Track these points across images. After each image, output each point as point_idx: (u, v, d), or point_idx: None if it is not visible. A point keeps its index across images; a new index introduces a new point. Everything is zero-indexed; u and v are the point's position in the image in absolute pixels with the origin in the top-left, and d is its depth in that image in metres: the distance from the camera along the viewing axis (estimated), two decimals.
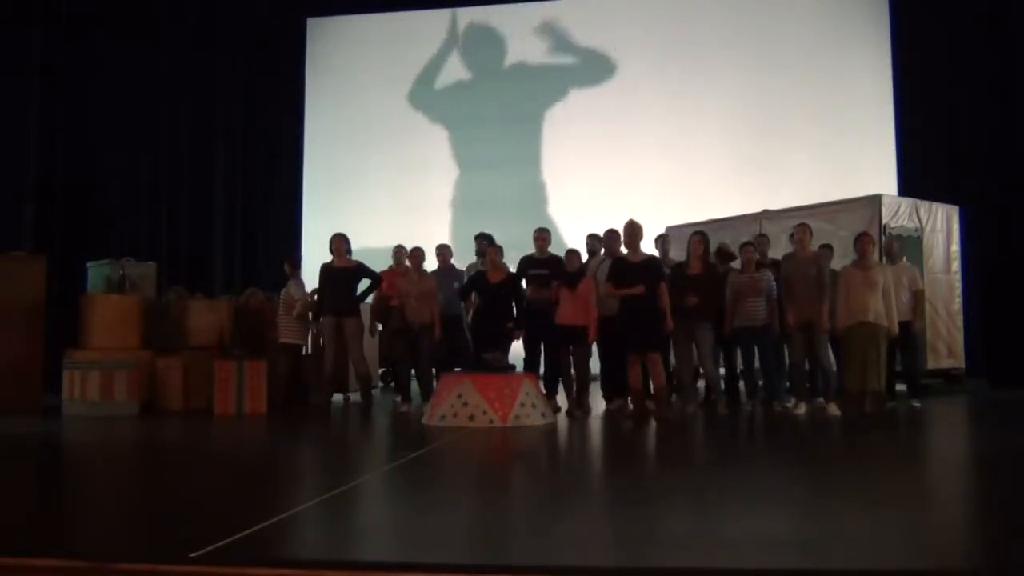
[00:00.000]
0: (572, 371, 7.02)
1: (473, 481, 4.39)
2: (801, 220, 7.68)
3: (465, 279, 7.86)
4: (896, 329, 6.52)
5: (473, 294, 7.49)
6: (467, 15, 13.01)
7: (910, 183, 10.55)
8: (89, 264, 8.56)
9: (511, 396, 6.30)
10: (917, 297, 7.52)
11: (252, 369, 7.26)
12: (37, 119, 10.06)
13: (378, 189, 12.75)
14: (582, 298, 6.77)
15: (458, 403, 6.30)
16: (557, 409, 6.97)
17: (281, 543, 2.97)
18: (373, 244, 10.61)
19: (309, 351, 8.35)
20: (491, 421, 6.20)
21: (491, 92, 12.83)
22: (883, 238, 8.07)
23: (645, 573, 2.59)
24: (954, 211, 9.29)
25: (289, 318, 7.81)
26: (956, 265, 9.21)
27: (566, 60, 12.70)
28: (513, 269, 7.56)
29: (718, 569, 2.57)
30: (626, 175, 11.82)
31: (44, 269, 7.91)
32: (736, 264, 7.47)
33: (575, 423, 6.57)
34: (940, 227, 9.05)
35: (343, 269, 7.75)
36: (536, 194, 12.48)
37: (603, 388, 7.56)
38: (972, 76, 10.39)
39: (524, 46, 12.83)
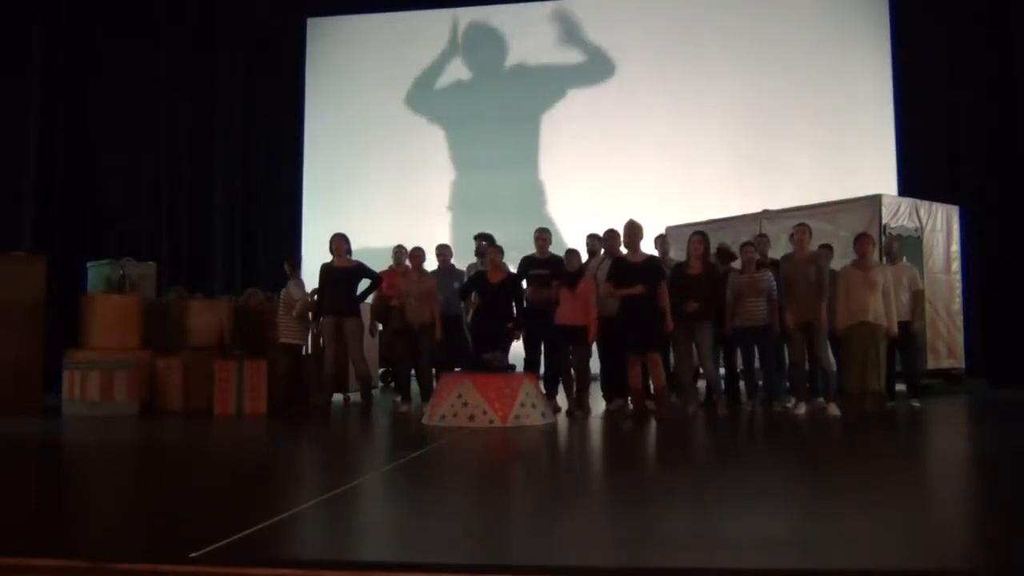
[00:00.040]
0: (572, 371, 7.01)
1: (473, 481, 4.38)
2: (801, 220, 7.68)
3: (465, 279, 7.86)
4: (896, 329, 6.52)
5: (473, 294, 7.49)
6: (467, 15, 13.01)
7: (910, 183, 10.55)
8: (89, 264, 8.56)
9: (511, 396, 6.30)
10: (917, 297, 7.52)
11: (252, 369, 7.26)
12: (37, 119, 10.06)
13: (378, 189, 12.76)
14: (582, 298, 6.77)
15: (458, 403, 6.30)
16: (557, 409, 6.97)
17: (281, 543, 2.97)
18: (373, 244, 10.61)
19: (309, 351, 8.35)
20: (491, 421, 6.20)
21: (491, 92, 12.83)
22: (883, 238, 8.07)
23: (645, 573, 2.59)
24: (954, 211, 9.29)
25: (289, 318, 7.81)
26: (956, 265, 9.21)
27: (566, 60, 12.70)
28: (514, 269, 7.56)
29: (718, 569, 2.57)
30: (626, 175, 11.83)
31: (44, 269, 7.91)
32: (736, 264, 7.47)
33: (575, 423, 6.57)
34: (940, 227, 9.05)
35: (343, 269, 7.75)
36: (536, 194, 12.48)
37: (603, 388, 7.56)
38: (972, 76, 10.39)
39: (524, 46, 12.83)
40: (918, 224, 8.80)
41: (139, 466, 5.05)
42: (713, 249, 7.40)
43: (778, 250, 8.04)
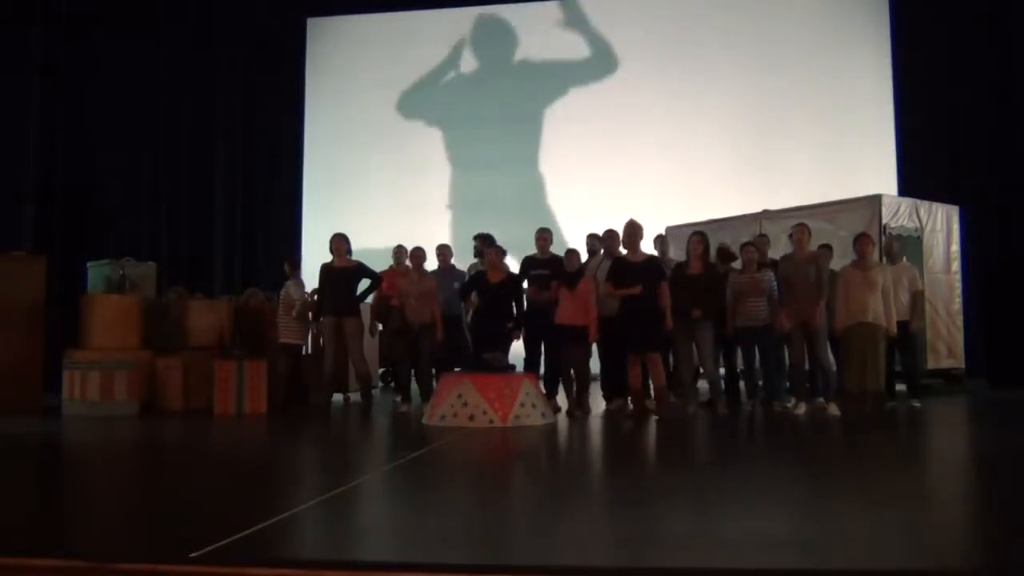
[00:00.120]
0: (572, 371, 7.02)
1: (473, 481, 4.38)
2: (801, 220, 7.67)
3: (466, 279, 7.86)
4: (894, 329, 6.51)
5: (473, 294, 7.49)
6: (467, 15, 13.01)
7: (910, 183, 10.55)
8: (89, 264, 8.56)
9: (511, 396, 6.30)
10: (917, 297, 7.51)
11: (252, 369, 7.26)
12: (37, 119, 10.06)
13: (378, 189, 12.75)
14: (582, 298, 6.77)
15: (458, 403, 6.30)
16: (557, 409, 6.97)
17: (281, 543, 2.97)
18: (373, 244, 10.60)
19: (309, 351, 8.35)
20: (491, 421, 6.20)
21: (491, 92, 12.83)
22: (883, 238, 8.06)
23: (645, 573, 2.59)
24: (954, 211, 9.29)
25: (289, 318, 7.81)
26: (956, 265, 9.21)
27: (566, 60, 12.69)
28: (514, 270, 7.57)
29: (718, 569, 2.57)
30: (626, 175, 11.82)
31: (44, 269, 7.91)
32: (737, 264, 7.47)
33: (575, 423, 6.57)
34: (940, 227, 9.05)
35: (343, 269, 7.75)
36: (536, 194, 12.48)
37: (603, 388, 7.56)
38: (972, 76, 10.39)
39: (524, 46, 12.83)
40: (918, 224, 8.79)
41: (139, 466, 5.05)
42: (713, 249, 7.39)
43: (778, 250, 8.04)
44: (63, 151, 10.46)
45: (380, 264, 8.23)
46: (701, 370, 7.25)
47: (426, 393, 7.23)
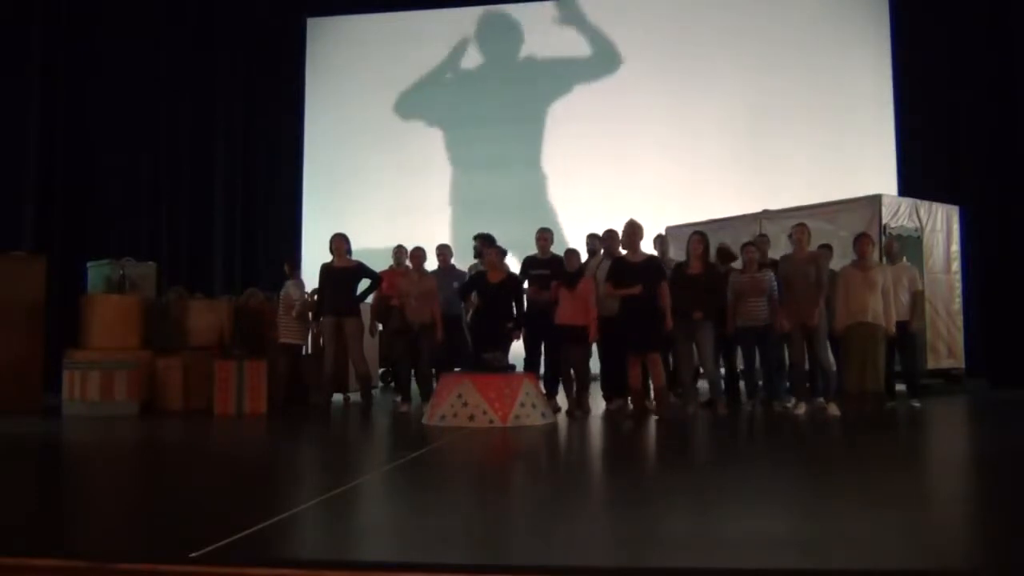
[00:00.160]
0: (572, 371, 7.02)
1: (473, 481, 4.38)
2: (801, 220, 7.66)
3: (466, 279, 7.86)
4: (893, 329, 6.50)
5: (473, 294, 7.49)
6: (467, 15, 13.01)
7: (910, 183, 10.55)
8: (89, 264, 8.56)
9: (511, 396, 6.30)
10: (916, 297, 7.51)
11: (252, 369, 7.26)
12: (37, 119, 10.06)
13: (378, 189, 12.75)
14: (581, 298, 6.77)
15: (458, 403, 6.30)
16: (557, 409, 6.97)
17: (281, 543, 2.97)
18: (373, 244, 10.60)
19: (309, 351, 8.35)
20: (491, 421, 6.19)
21: (491, 92, 12.83)
22: (883, 238, 8.06)
23: (645, 573, 2.59)
24: (954, 211, 9.29)
25: (289, 318, 7.81)
26: (956, 265, 9.21)
27: (566, 60, 12.69)
28: (514, 270, 7.56)
29: (718, 569, 2.57)
30: (626, 175, 11.83)
31: (44, 269, 7.90)
32: (737, 264, 7.47)
33: (575, 423, 6.57)
34: (940, 227, 9.05)
35: (343, 269, 7.75)
36: (536, 194, 12.48)
37: (603, 388, 7.56)
38: (972, 76, 10.39)
39: (524, 46, 12.83)
40: (918, 224, 8.79)
41: (139, 466, 5.05)
42: (713, 249, 7.40)
43: (778, 250, 8.03)
44: (63, 151, 10.46)
45: (380, 264, 8.23)
46: (701, 370, 7.25)
47: (426, 393, 7.23)
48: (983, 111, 10.32)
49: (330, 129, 13.20)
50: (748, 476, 4.23)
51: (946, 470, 4.68)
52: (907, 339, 7.35)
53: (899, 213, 8.61)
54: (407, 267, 7.71)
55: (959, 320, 9.09)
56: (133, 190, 11.16)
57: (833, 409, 6.67)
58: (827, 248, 7.53)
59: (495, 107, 12.73)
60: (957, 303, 9.13)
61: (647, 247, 7.21)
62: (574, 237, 10.03)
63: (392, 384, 9.87)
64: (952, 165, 10.54)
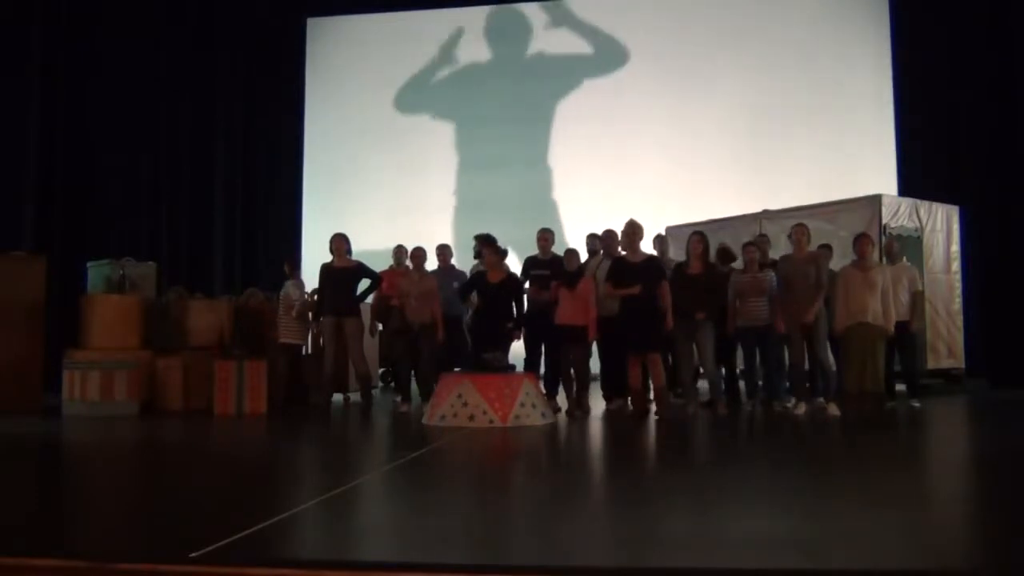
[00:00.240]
0: (572, 371, 7.01)
1: (473, 481, 4.38)
2: (801, 220, 7.66)
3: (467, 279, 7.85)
4: (892, 329, 6.50)
5: (473, 294, 7.48)
6: (467, 15, 13.01)
7: (910, 183, 10.55)
8: (89, 264, 8.56)
9: (511, 396, 6.30)
10: (916, 298, 7.51)
11: (252, 369, 7.26)
12: (37, 119, 10.06)
13: (378, 189, 12.75)
14: (581, 298, 6.77)
15: (458, 403, 6.30)
16: (557, 409, 6.97)
17: (281, 543, 2.97)
18: (373, 244, 10.60)
19: (309, 351, 8.35)
20: (491, 421, 6.20)
21: (491, 92, 12.83)
22: (883, 238, 8.06)
23: (645, 573, 2.59)
24: (954, 211, 9.29)
25: (289, 318, 7.81)
26: (956, 265, 9.21)
27: (566, 60, 12.70)
28: (515, 270, 7.56)
29: (718, 569, 2.57)
30: (626, 175, 11.83)
31: (44, 269, 7.90)
32: (737, 264, 7.47)
33: (575, 423, 6.57)
34: (940, 227, 9.05)
35: (343, 269, 7.75)
36: (536, 194, 12.48)
37: (603, 388, 7.57)
38: (972, 76, 10.39)
39: (524, 46, 12.84)
40: (918, 224, 8.79)
41: (139, 466, 5.05)
42: (713, 249, 7.39)
43: (778, 250, 8.03)
44: (63, 151, 10.46)
45: (380, 264, 8.23)
46: (701, 370, 7.25)
47: (426, 393, 7.23)
48: (983, 111, 10.32)
49: (330, 129, 13.20)
50: (748, 476, 4.24)
51: (946, 470, 4.68)
52: (907, 339, 7.34)
53: (899, 213, 8.61)
54: (407, 267, 7.71)
55: (959, 320, 9.09)
56: (133, 190, 11.16)
57: (833, 409, 6.67)
58: (827, 248, 7.53)
59: (495, 107, 12.74)
60: (957, 303, 9.12)
61: (647, 247, 7.21)
62: (574, 237, 10.03)
63: (392, 384, 9.88)
64: (952, 165, 10.54)
